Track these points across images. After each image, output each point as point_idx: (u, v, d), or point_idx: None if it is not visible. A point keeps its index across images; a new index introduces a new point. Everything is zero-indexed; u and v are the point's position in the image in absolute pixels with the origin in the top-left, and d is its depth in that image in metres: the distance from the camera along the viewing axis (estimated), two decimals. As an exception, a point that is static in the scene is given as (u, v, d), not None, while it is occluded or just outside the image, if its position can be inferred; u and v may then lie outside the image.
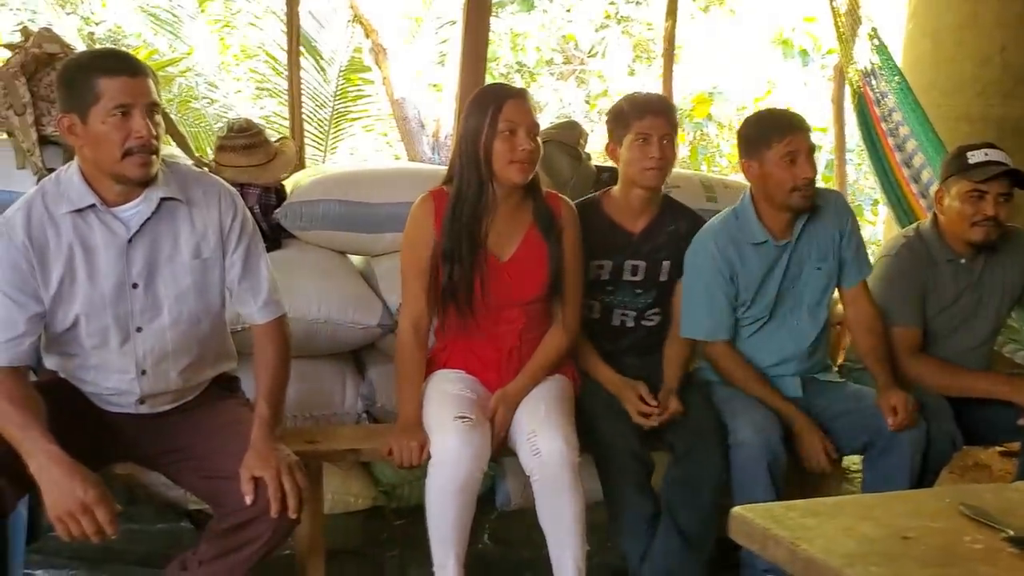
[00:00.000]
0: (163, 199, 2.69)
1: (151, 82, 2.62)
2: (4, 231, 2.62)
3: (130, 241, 2.67)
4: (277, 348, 2.87)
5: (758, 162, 3.26)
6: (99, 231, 2.65)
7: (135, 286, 2.69)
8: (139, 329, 2.72)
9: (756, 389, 3.30)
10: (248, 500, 2.54)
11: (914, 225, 3.70)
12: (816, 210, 3.35)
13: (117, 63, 2.59)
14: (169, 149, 4.14)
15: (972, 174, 3.37)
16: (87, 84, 2.55)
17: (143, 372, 2.76)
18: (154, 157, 2.61)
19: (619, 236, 3.35)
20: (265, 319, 2.87)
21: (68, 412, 2.71)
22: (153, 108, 2.60)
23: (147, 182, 2.65)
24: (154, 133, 2.58)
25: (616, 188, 3.39)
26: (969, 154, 3.41)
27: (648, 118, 3.22)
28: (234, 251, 2.81)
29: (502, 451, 3.11)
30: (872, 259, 3.57)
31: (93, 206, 2.63)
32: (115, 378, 2.76)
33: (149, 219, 2.68)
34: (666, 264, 3.37)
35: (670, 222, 3.37)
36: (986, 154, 3.38)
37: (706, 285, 3.33)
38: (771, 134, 3.23)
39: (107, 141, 2.56)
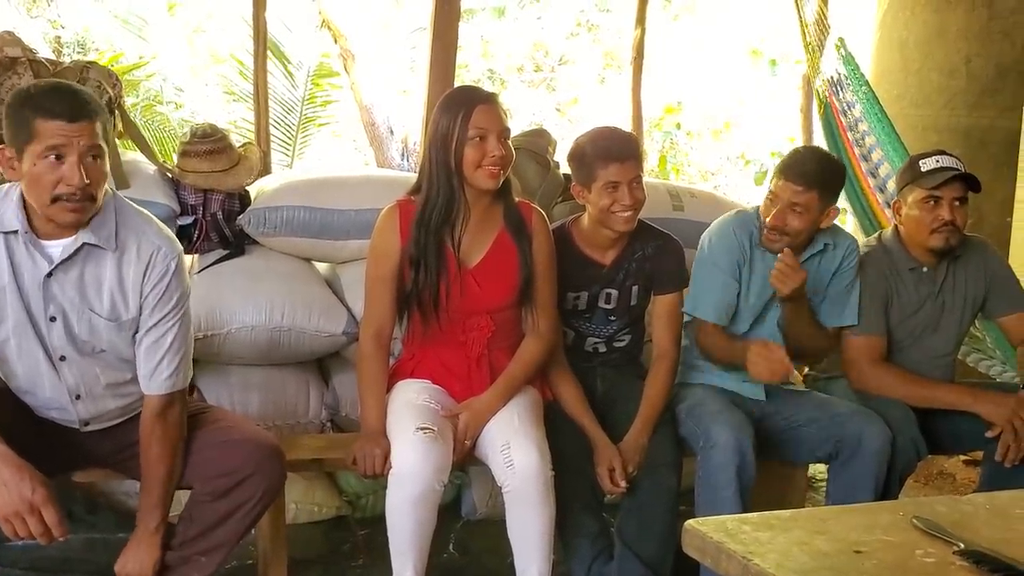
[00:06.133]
0: (86, 244, 2.60)
1: (95, 125, 2.51)
2: None
3: (49, 275, 2.60)
4: (161, 430, 2.72)
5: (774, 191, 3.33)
6: (25, 257, 2.59)
7: (53, 319, 2.63)
8: (63, 358, 2.68)
9: (721, 343, 3.34)
10: None
11: (876, 234, 3.72)
12: (825, 247, 3.42)
13: (57, 104, 2.49)
14: (132, 155, 4.12)
15: (925, 181, 3.41)
16: (24, 120, 2.48)
17: (77, 397, 2.74)
18: (87, 203, 2.52)
19: (591, 268, 3.34)
20: (149, 391, 2.73)
21: (21, 420, 2.70)
22: (93, 152, 2.51)
23: (80, 225, 2.58)
24: (86, 180, 2.48)
25: (585, 221, 3.35)
26: (921, 162, 3.45)
27: (614, 166, 3.17)
28: (149, 316, 2.69)
29: (469, 460, 3.10)
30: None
31: (16, 232, 2.57)
32: (52, 400, 2.74)
33: (69, 259, 2.60)
34: (635, 289, 3.37)
35: (638, 248, 3.35)
36: (938, 161, 3.42)
37: (722, 268, 3.36)
38: (778, 170, 3.31)
39: (38, 184, 2.49)
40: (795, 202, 3.25)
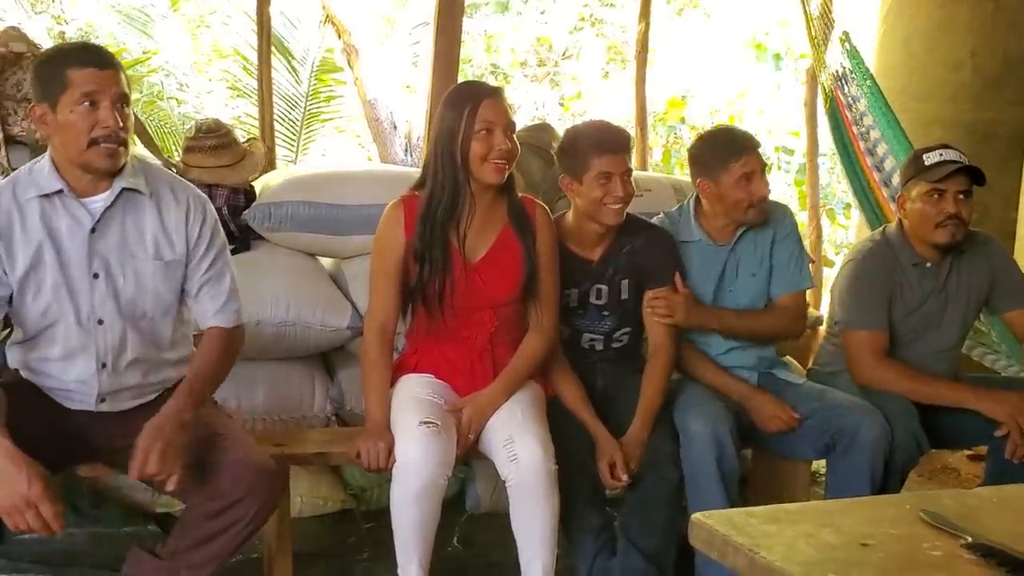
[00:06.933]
0: (124, 189, 2.74)
1: (121, 75, 2.68)
2: None
3: (93, 231, 2.71)
4: (224, 350, 2.88)
5: (714, 182, 3.35)
6: (64, 219, 2.71)
7: (96, 276, 2.73)
8: (100, 321, 2.75)
9: (710, 374, 3.40)
10: (133, 473, 2.55)
11: (880, 229, 3.71)
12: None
13: (87, 55, 2.68)
14: (136, 148, 4.13)
15: (929, 175, 3.40)
16: (58, 74, 2.62)
17: (103, 365, 2.77)
18: (121, 148, 2.67)
19: (580, 265, 3.33)
20: (218, 324, 2.89)
21: (30, 412, 2.71)
22: (122, 100, 2.66)
23: (114, 172, 2.71)
24: (121, 124, 2.64)
25: (570, 217, 3.34)
26: (925, 156, 3.45)
27: (608, 157, 3.16)
28: (202, 258, 2.86)
29: (473, 454, 3.10)
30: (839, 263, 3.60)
31: (60, 192, 2.69)
32: (77, 370, 2.77)
33: (111, 209, 2.73)
34: (625, 283, 3.35)
35: (627, 242, 3.34)
36: (941, 154, 3.42)
37: None
38: (728, 155, 3.32)
39: (74, 130, 2.62)
40: (763, 167, 3.35)
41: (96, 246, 2.72)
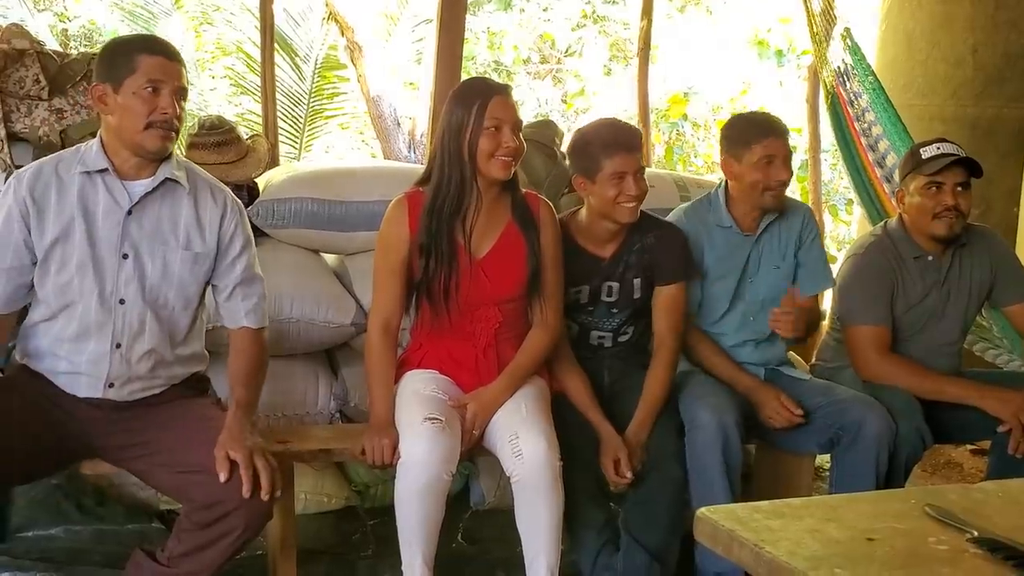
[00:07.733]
0: (167, 179, 2.83)
1: (184, 71, 2.83)
2: (12, 183, 2.81)
3: (129, 213, 2.80)
4: (259, 351, 3.00)
5: (736, 160, 3.37)
6: (103, 197, 2.79)
7: (125, 256, 2.79)
8: (122, 301, 2.80)
9: (721, 366, 3.41)
10: (222, 478, 2.61)
11: (881, 223, 3.73)
12: (783, 213, 3.47)
13: (159, 45, 2.84)
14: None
15: (926, 168, 3.43)
16: (126, 57, 2.75)
17: (118, 345, 2.80)
18: (173, 135, 2.79)
19: (591, 262, 3.33)
20: (252, 324, 2.99)
21: (35, 406, 2.73)
22: (181, 93, 2.79)
23: (162, 158, 2.82)
24: (177, 113, 2.76)
25: (583, 215, 3.35)
26: (922, 150, 3.48)
27: (620, 156, 3.17)
28: (237, 259, 2.95)
29: (477, 451, 3.11)
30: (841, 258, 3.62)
31: (105, 171, 2.79)
32: (90, 349, 2.79)
33: (151, 195, 2.82)
34: (637, 281, 3.36)
35: (638, 240, 3.34)
36: (938, 147, 3.45)
37: None
38: (752, 136, 3.34)
39: (134, 112, 2.74)
40: (786, 154, 3.36)
41: (129, 228, 2.80)
